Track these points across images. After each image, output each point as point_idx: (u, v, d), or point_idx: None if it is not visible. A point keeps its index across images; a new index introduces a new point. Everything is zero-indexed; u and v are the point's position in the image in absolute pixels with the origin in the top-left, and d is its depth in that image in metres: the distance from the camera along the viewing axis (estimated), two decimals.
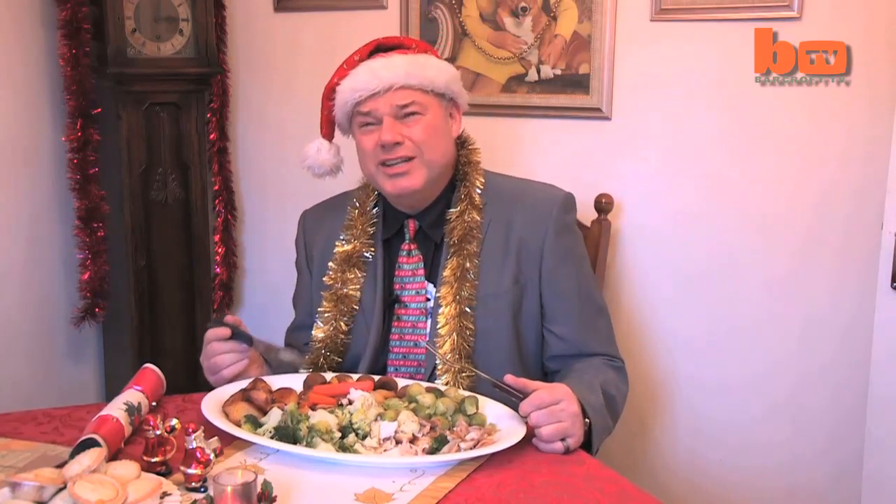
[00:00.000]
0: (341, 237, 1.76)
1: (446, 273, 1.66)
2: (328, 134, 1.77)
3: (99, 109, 2.42)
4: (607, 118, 2.22)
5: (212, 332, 1.60)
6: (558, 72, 2.25)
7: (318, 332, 1.72)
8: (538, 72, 2.27)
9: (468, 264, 1.65)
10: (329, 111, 1.73)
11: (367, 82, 1.63)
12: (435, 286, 1.69)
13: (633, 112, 2.20)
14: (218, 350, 1.58)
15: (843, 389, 2.07)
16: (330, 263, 1.75)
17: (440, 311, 1.64)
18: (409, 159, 1.64)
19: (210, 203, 2.65)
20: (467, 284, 1.64)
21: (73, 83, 2.37)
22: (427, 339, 1.67)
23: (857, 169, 2.00)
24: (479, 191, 1.71)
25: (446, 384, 1.60)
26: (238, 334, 1.59)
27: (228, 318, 1.61)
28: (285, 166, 2.66)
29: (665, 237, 2.20)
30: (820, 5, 1.97)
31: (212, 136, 2.62)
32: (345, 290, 1.73)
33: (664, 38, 2.13)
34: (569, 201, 1.74)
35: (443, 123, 1.69)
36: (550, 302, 1.69)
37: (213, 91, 2.60)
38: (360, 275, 1.73)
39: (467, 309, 1.63)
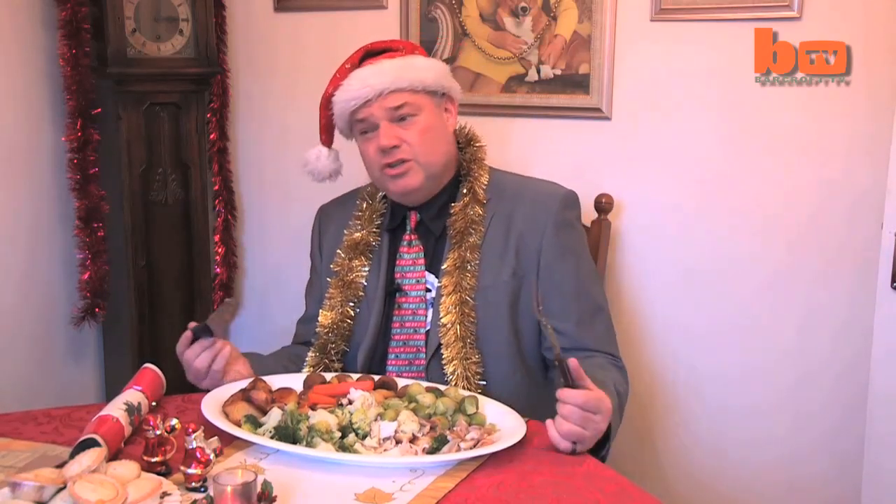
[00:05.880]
0: (350, 225, 1.81)
1: (447, 264, 1.70)
2: (327, 141, 1.84)
3: (99, 109, 2.41)
4: (607, 118, 2.22)
5: (179, 346, 1.60)
6: (558, 72, 2.25)
7: (325, 319, 1.77)
8: (538, 72, 2.27)
9: (469, 256, 1.69)
10: (328, 119, 1.79)
11: (359, 91, 1.68)
12: (436, 276, 1.73)
13: (633, 112, 2.20)
14: (191, 357, 1.58)
15: (842, 385, 2.08)
16: (338, 251, 1.80)
17: (442, 300, 1.68)
18: (407, 161, 1.69)
19: (210, 203, 2.65)
20: (467, 275, 1.68)
21: (73, 83, 2.36)
22: (428, 327, 1.71)
23: (857, 169, 2.00)
24: (483, 187, 1.75)
25: (452, 372, 1.62)
26: (197, 332, 1.58)
27: (190, 325, 1.61)
28: (285, 166, 2.66)
29: (665, 237, 2.21)
30: (820, 5, 1.97)
31: (212, 136, 2.62)
32: (351, 277, 1.78)
33: (664, 38, 2.13)
34: (570, 198, 1.78)
35: (437, 121, 1.74)
36: (547, 297, 1.68)
37: (213, 91, 2.60)
38: (366, 262, 1.78)
39: (468, 298, 1.67)
